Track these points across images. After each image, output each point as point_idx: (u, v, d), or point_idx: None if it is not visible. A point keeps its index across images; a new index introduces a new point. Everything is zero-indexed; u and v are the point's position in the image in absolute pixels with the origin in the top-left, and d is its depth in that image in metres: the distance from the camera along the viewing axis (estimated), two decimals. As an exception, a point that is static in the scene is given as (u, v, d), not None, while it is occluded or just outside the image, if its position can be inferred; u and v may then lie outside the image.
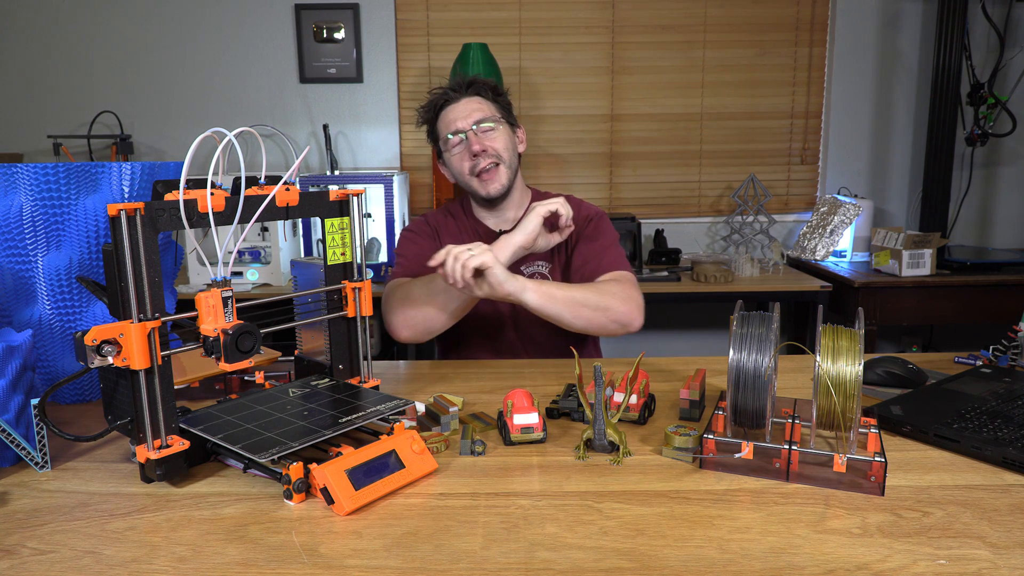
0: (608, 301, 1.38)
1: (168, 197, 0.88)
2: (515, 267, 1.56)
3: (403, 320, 1.42)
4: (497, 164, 1.53)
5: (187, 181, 0.88)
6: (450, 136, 1.53)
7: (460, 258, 1.23)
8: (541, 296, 1.31)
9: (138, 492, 0.91)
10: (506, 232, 1.39)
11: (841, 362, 0.92)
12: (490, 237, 1.58)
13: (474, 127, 1.51)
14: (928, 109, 3.04)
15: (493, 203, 1.59)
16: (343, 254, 1.09)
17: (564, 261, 1.61)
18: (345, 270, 1.10)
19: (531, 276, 1.56)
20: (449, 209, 1.71)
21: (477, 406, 1.20)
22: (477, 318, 1.63)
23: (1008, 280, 2.69)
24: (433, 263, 1.26)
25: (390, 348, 3.01)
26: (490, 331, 1.64)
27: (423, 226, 1.67)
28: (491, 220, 1.64)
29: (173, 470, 0.91)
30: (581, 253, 1.56)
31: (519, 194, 1.63)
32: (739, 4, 3.14)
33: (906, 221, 3.30)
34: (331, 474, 0.85)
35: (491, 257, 1.24)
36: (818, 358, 0.91)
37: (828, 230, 2.93)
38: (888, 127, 3.25)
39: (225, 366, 0.88)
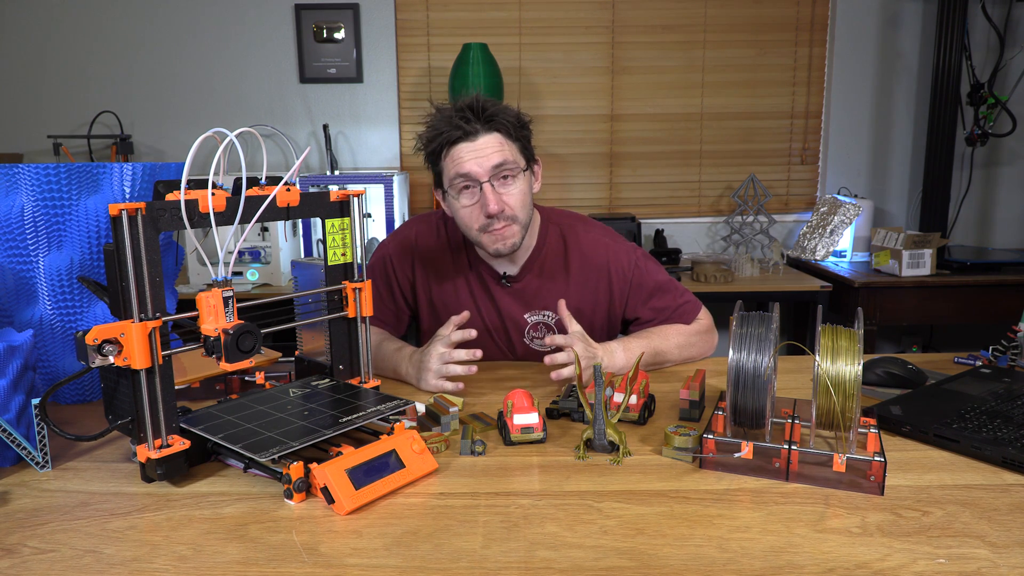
0: (689, 353, 1.45)
1: (169, 197, 0.88)
2: (520, 312, 1.48)
3: None
4: (512, 223, 1.35)
5: (188, 181, 0.88)
6: (458, 179, 1.32)
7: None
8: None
9: (138, 492, 0.91)
10: (512, 276, 1.46)
11: (841, 362, 0.92)
12: (494, 281, 1.47)
13: (490, 180, 1.30)
14: (928, 109, 3.03)
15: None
16: (343, 254, 1.09)
17: (604, 318, 1.50)
18: (345, 270, 1.10)
19: (536, 325, 1.49)
20: (439, 231, 1.50)
21: (477, 406, 1.20)
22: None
23: (1008, 280, 2.69)
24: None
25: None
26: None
27: (385, 266, 1.51)
28: (495, 263, 1.47)
29: (173, 470, 0.91)
30: (647, 315, 1.47)
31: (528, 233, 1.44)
32: (739, 4, 3.14)
33: (906, 221, 3.30)
34: (331, 474, 0.86)
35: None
36: (818, 358, 0.91)
37: (828, 230, 2.93)
38: (888, 127, 3.25)
39: (226, 366, 0.88)
